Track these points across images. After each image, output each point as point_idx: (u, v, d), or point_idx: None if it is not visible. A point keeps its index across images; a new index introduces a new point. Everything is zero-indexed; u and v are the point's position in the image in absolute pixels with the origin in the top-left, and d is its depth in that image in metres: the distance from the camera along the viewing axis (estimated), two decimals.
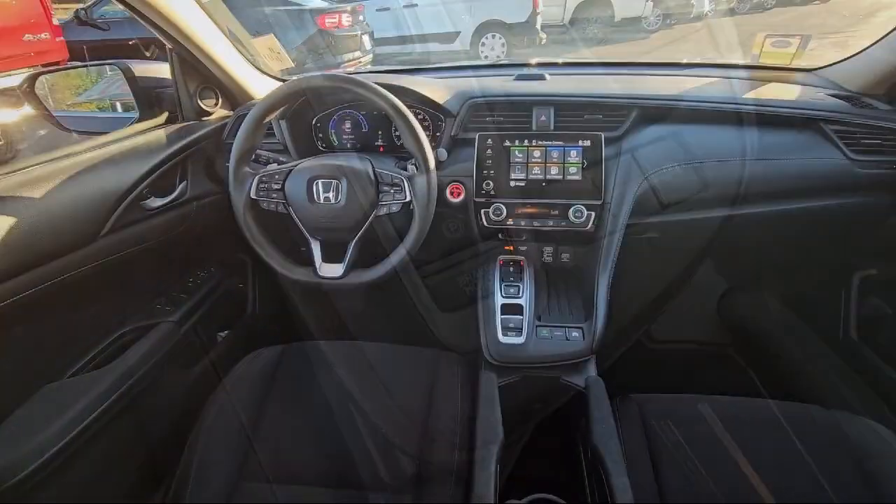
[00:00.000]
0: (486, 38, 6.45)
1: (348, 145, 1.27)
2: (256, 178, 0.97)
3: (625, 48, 6.91)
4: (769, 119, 1.07)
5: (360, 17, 5.15)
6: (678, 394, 0.94)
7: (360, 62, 4.94)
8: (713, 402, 0.91)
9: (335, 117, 1.25)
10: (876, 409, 1.15)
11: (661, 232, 1.17)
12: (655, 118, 1.11)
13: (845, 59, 1.21)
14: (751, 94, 1.14)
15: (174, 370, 1.13)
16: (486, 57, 6.37)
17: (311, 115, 1.24)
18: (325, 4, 5.29)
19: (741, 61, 1.38)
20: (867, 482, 0.76)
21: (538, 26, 6.41)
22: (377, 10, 6.38)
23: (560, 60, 1.46)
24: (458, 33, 6.43)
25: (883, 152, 1.02)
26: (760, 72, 1.31)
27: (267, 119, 0.96)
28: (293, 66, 1.52)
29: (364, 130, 1.26)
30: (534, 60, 1.47)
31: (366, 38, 5.12)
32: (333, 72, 0.99)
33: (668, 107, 1.10)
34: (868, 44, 1.13)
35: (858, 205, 1.07)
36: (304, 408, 0.95)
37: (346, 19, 4.78)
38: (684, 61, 1.40)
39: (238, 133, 0.95)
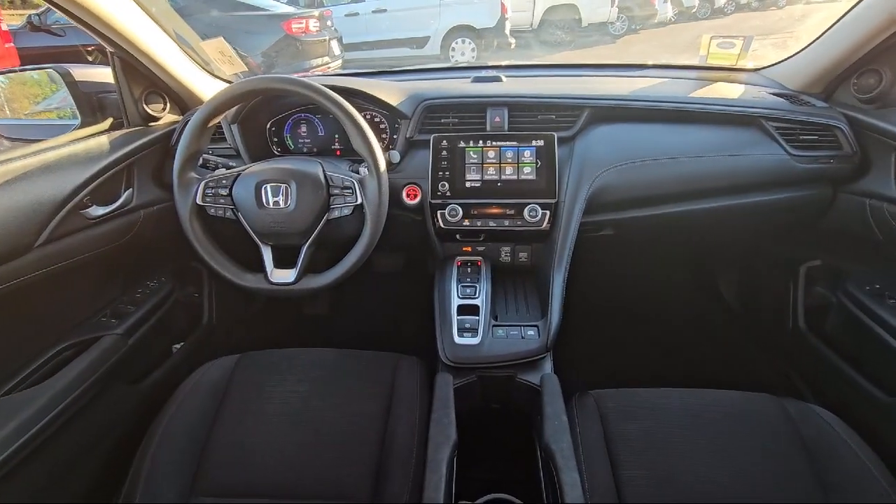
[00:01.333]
0: (457, 42, 6.50)
1: (304, 149, 1.25)
2: (202, 183, 0.94)
3: (592, 52, 7.07)
4: (715, 117, 1.11)
5: (329, 23, 5.12)
6: (636, 388, 0.95)
7: (329, 67, 4.90)
8: (669, 395, 0.93)
9: (290, 121, 1.23)
10: (822, 394, 1.20)
11: (616, 228, 1.19)
12: (607, 118, 1.13)
13: (785, 60, 1.26)
14: (697, 94, 1.17)
15: (122, 384, 1.08)
16: (455, 61, 6.41)
17: (264, 118, 1.21)
18: (292, 10, 5.24)
19: (690, 62, 1.43)
20: (813, 466, 0.79)
21: (507, 31, 6.49)
22: (346, 16, 6.36)
23: (517, 63, 1.48)
24: (428, 38, 6.45)
25: (820, 147, 1.07)
26: (708, 72, 1.35)
27: (212, 123, 0.94)
28: (246, 69, 1.50)
29: (320, 134, 1.24)
30: (491, 63, 1.48)
31: (334, 44, 5.09)
32: (280, 74, 0.98)
33: (618, 107, 1.12)
34: (804, 45, 1.18)
35: (800, 198, 1.12)
36: (259, 418, 0.93)
37: (313, 24, 4.74)
38: (637, 63, 1.44)
39: (181, 137, 0.93)
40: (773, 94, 1.16)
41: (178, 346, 1.29)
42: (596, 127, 1.12)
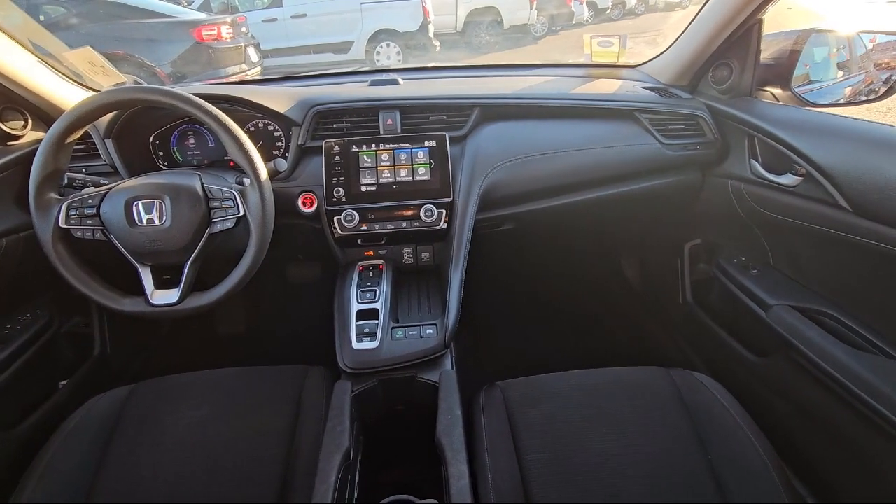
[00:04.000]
0: (381, 46, 6.48)
1: (195, 162, 1.19)
2: (65, 204, 0.87)
3: (514, 53, 7.33)
4: (595, 112, 1.18)
5: (243, 29, 4.91)
6: (540, 374, 0.99)
7: (246, 74, 4.70)
8: (569, 377, 0.97)
9: (176, 133, 1.17)
10: (708, 361, 1.31)
11: (516, 222, 1.23)
12: (496, 116, 1.16)
13: (658, 56, 1.36)
14: (580, 90, 1.24)
15: None
16: (381, 65, 6.39)
17: (146, 132, 1.14)
18: (202, 16, 4.98)
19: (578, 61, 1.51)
20: (693, 427, 0.86)
21: (431, 34, 6.56)
22: (263, 21, 6.14)
23: (415, 66, 1.50)
24: (351, 43, 6.38)
25: (687, 136, 1.16)
26: (593, 70, 1.43)
27: (70, 139, 0.87)
28: (125, 80, 1.40)
29: (210, 145, 1.19)
30: (391, 66, 1.49)
31: (251, 50, 4.90)
32: (146, 84, 0.93)
33: (506, 105, 1.16)
34: (671, 41, 1.29)
35: (674, 183, 1.21)
36: (153, 450, 0.87)
37: (226, 31, 4.53)
38: (528, 63, 1.50)
39: (36, 156, 0.85)
40: (646, 89, 1.26)
41: (64, 382, 1.18)
42: (486, 125, 1.15)
